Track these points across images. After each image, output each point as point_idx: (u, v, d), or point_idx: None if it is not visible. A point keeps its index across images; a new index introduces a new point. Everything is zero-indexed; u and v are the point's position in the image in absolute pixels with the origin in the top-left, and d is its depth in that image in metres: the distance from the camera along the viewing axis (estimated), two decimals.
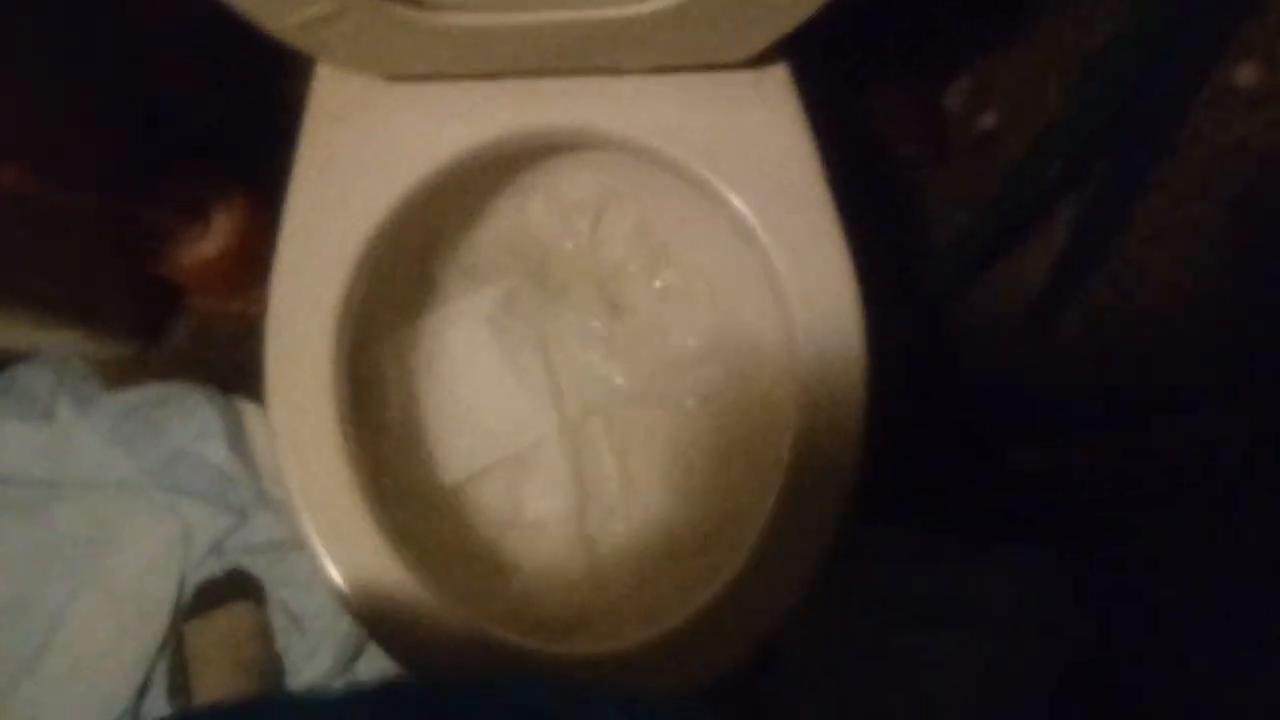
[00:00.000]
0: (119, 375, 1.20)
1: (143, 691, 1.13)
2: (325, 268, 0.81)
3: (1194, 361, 0.99)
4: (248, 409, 1.20)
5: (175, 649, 1.13)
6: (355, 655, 1.14)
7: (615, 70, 0.82)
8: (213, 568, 1.15)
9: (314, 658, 1.14)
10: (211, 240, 1.09)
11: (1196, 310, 0.97)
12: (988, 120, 1.23)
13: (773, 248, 0.80)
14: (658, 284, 0.98)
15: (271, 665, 1.14)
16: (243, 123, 1.13)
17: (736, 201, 0.81)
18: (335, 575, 0.75)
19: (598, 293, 0.99)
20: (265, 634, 1.14)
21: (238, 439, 1.18)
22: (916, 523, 1.17)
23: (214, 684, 1.10)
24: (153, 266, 1.09)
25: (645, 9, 0.72)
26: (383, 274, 0.85)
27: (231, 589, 1.15)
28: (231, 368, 1.21)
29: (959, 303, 1.22)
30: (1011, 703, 1.11)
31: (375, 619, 0.75)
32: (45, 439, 1.17)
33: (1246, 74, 0.85)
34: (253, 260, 1.15)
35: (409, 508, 0.90)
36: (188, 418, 1.17)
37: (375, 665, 1.15)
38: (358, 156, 0.83)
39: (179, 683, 1.12)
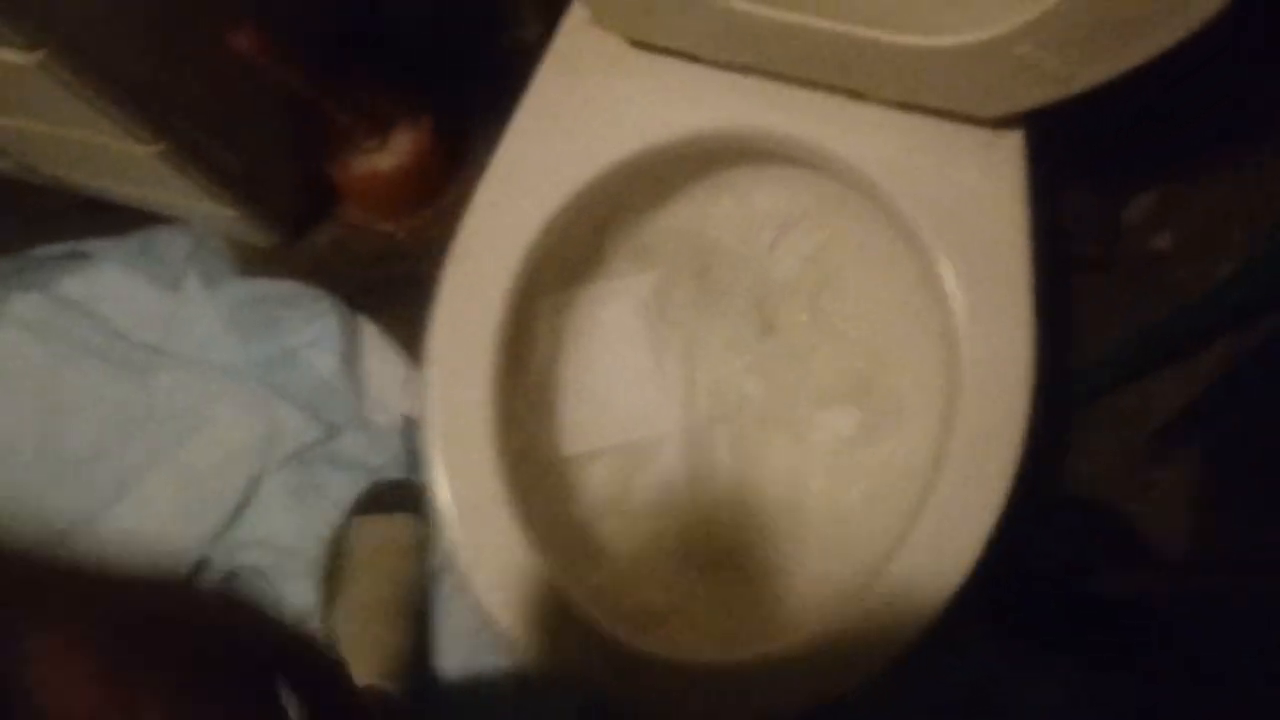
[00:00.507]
0: (253, 262, 1.20)
1: (192, 576, 1.13)
2: (521, 216, 0.81)
3: None
4: (367, 328, 1.19)
5: (336, 539, 1.13)
6: None
7: (858, 94, 0.81)
8: (296, 475, 1.14)
9: None
10: (387, 155, 1.09)
11: None
12: (1162, 241, 1.21)
13: (962, 313, 0.79)
14: (819, 311, 0.96)
15: (418, 583, 1.13)
16: (445, 53, 1.13)
17: (940, 256, 0.80)
18: (450, 511, 0.75)
19: (756, 306, 0.98)
20: (421, 549, 1.14)
21: (351, 354, 1.17)
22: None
23: (362, 586, 1.10)
24: (326, 164, 1.09)
25: (929, 42, 0.71)
26: (566, 235, 0.84)
27: (401, 497, 1.14)
28: (363, 284, 1.20)
29: (1088, 412, 1.21)
30: None
31: (474, 562, 0.75)
32: (166, 306, 1.17)
33: None
34: (419, 186, 1.15)
35: (527, 469, 0.90)
36: (308, 322, 1.16)
37: None
38: (583, 113, 0.83)
39: (331, 571, 1.12)
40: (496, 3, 1.09)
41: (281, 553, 1.13)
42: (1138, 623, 1.14)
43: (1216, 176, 1.16)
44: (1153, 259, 1.21)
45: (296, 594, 1.13)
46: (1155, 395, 1.21)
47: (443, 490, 0.76)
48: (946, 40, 0.70)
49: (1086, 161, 1.18)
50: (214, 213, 1.07)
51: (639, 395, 0.97)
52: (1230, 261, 1.12)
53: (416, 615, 1.11)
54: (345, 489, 1.15)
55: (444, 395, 0.79)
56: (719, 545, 0.94)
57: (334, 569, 1.12)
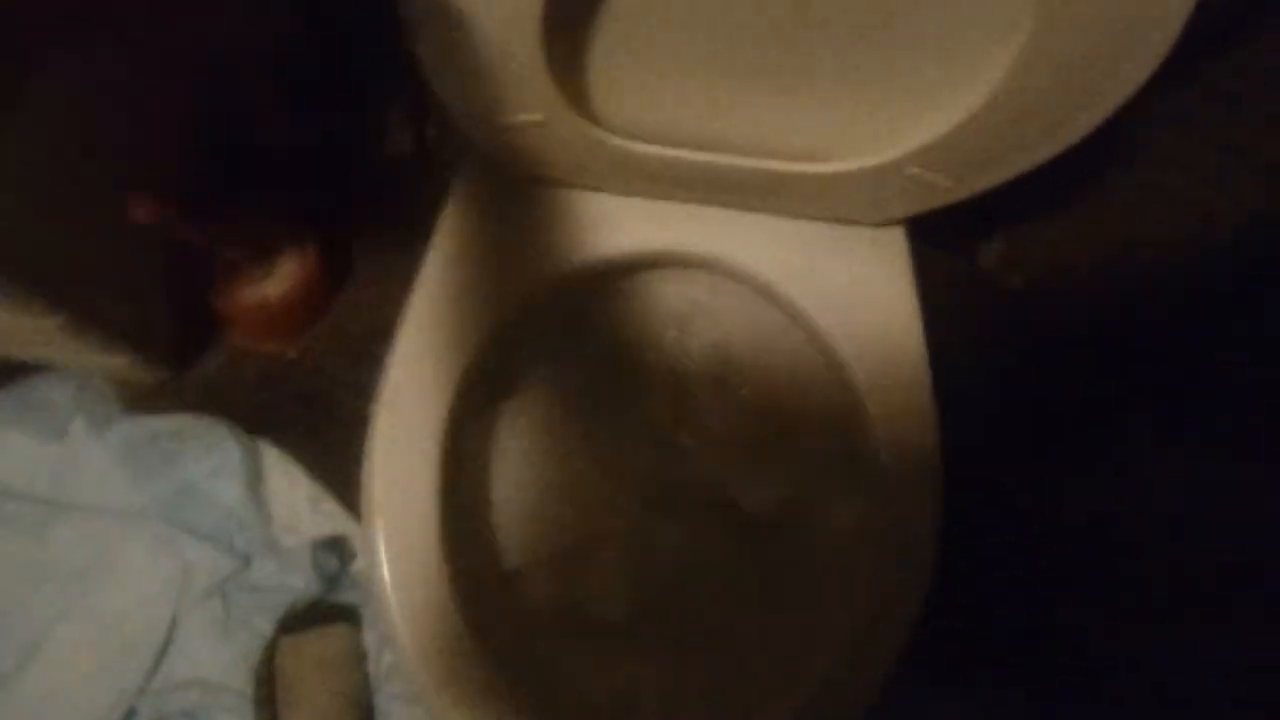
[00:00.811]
0: (141, 399, 1.17)
1: None
2: (447, 354, 0.83)
3: None
4: (267, 451, 1.18)
5: (265, 661, 1.11)
6: None
7: (752, 208, 0.86)
8: (214, 610, 1.13)
9: None
10: (275, 282, 1.09)
11: None
12: (1015, 280, 1.31)
13: (868, 399, 0.85)
14: (730, 394, 1.01)
15: (363, 693, 1.12)
16: (325, 176, 1.13)
17: (839, 343, 0.86)
18: (407, 642, 0.77)
19: (671, 394, 1.02)
20: (359, 659, 1.13)
21: (254, 480, 1.16)
22: None
23: (304, 705, 1.08)
24: (208, 296, 1.08)
25: (820, 169, 0.76)
26: (485, 366, 0.86)
27: (328, 611, 1.13)
28: (256, 407, 1.19)
29: None
30: None
31: (445, 700, 0.76)
32: (54, 456, 1.13)
33: None
34: (306, 308, 1.15)
35: (476, 591, 0.92)
36: (206, 452, 1.14)
37: None
38: (491, 252, 0.85)
39: (264, 696, 1.10)
40: (367, 121, 1.10)
41: (210, 691, 1.11)
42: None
43: (1055, 217, 1.26)
44: (1009, 293, 1.31)
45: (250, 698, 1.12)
46: None
47: (403, 636, 0.77)
48: (841, 167, 0.76)
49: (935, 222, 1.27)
50: (101, 362, 1.05)
51: (572, 499, 0.99)
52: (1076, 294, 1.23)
53: None
54: (265, 616, 1.14)
55: (391, 543, 0.80)
56: (666, 634, 0.97)
57: (265, 696, 1.11)
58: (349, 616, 1.16)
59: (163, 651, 1.11)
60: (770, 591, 0.96)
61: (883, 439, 0.84)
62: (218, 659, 1.12)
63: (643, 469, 1.01)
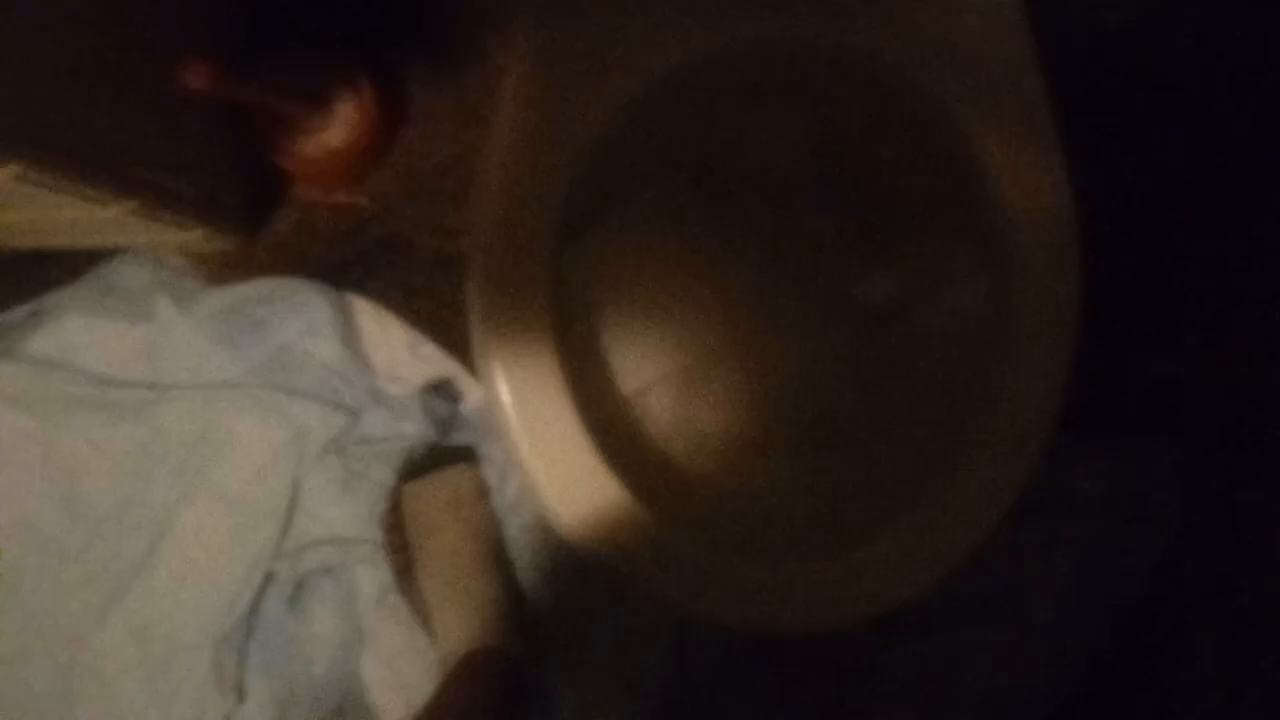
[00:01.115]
0: (219, 271, 1.14)
1: (259, 597, 1.12)
2: (544, 174, 0.78)
3: None
4: (357, 303, 1.15)
5: (392, 509, 1.13)
6: None
7: None
8: (333, 467, 1.12)
9: None
10: (336, 130, 1.04)
11: None
12: None
13: (991, 165, 0.79)
14: (837, 189, 0.96)
15: (491, 526, 1.14)
16: (373, 11, 1.06)
17: (956, 113, 0.80)
18: (546, 491, 0.75)
19: (776, 199, 0.97)
20: (483, 495, 1.14)
21: (348, 333, 1.14)
22: None
23: (436, 546, 1.10)
24: (272, 155, 1.03)
25: None
26: (587, 186, 0.81)
27: (444, 455, 1.15)
28: (339, 261, 1.15)
29: None
30: (1107, 587, 1.17)
31: (576, 523, 0.75)
32: (145, 337, 1.11)
33: None
34: (373, 153, 1.10)
35: (594, 413, 0.90)
36: (295, 313, 1.12)
37: None
38: (582, 56, 0.78)
39: (396, 543, 1.12)
40: None
41: (344, 546, 1.12)
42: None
43: None
44: None
45: (372, 580, 1.13)
46: None
47: (536, 476, 0.76)
48: None
49: None
50: (174, 239, 1.01)
51: (682, 317, 0.97)
52: None
53: (500, 562, 1.13)
54: (384, 465, 1.14)
55: (511, 374, 0.77)
56: (793, 440, 0.96)
57: (397, 543, 1.12)
58: (466, 457, 1.16)
59: (289, 515, 1.12)
60: (897, 387, 0.94)
61: (1009, 209, 0.79)
62: (345, 514, 1.13)
63: (753, 277, 0.97)
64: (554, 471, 0.75)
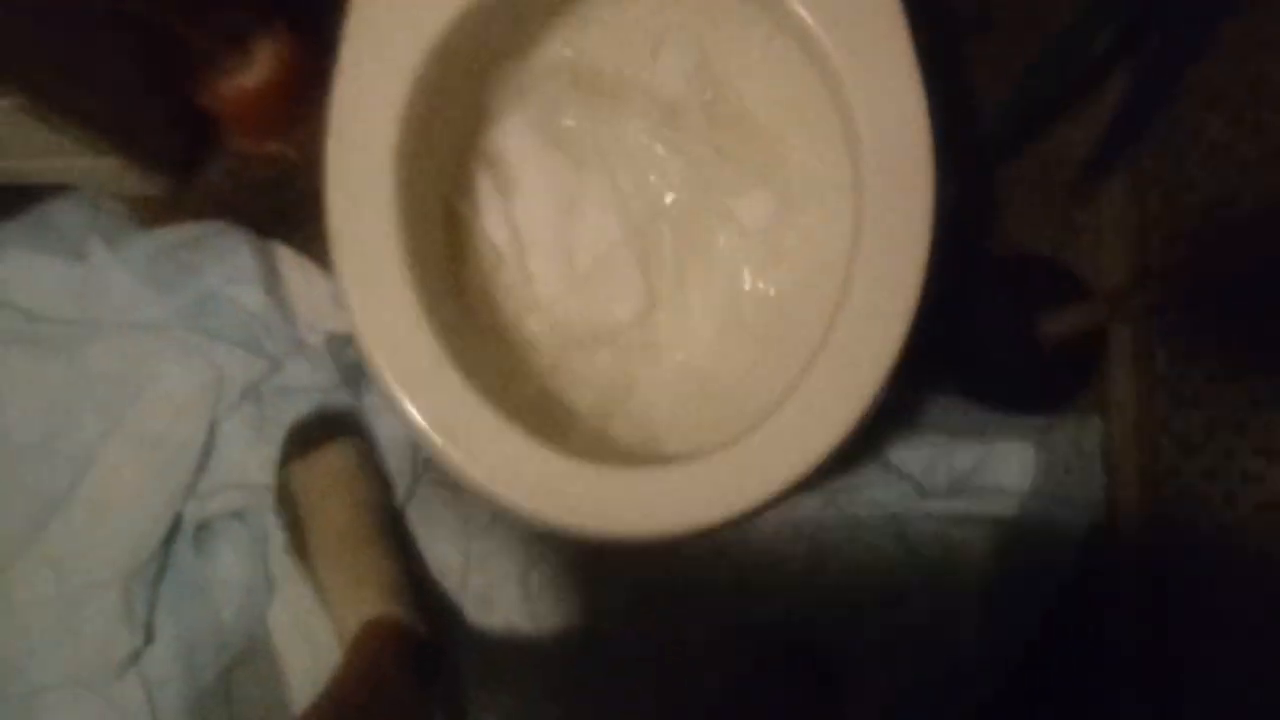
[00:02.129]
0: (153, 215, 1.18)
1: (170, 536, 1.13)
2: (385, 84, 0.79)
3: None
4: (283, 253, 1.18)
5: (281, 494, 1.12)
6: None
7: None
8: (249, 413, 1.14)
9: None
10: (253, 71, 1.07)
11: (1250, 176, 0.96)
12: None
13: (849, 77, 0.78)
14: (715, 113, 0.96)
15: (383, 496, 1.13)
16: None
17: (815, 28, 0.79)
18: (414, 414, 0.74)
19: (652, 118, 0.97)
20: (371, 464, 1.14)
21: (273, 283, 1.16)
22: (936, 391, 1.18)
23: (326, 521, 1.08)
24: (192, 93, 1.07)
25: None
26: (440, 95, 0.82)
27: (328, 426, 1.13)
28: (268, 211, 1.19)
29: (1008, 172, 1.22)
30: (1033, 571, 1.13)
31: (455, 452, 0.74)
32: (77, 277, 1.15)
33: None
34: (294, 98, 1.13)
35: (474, 335, 0.91)
36: (222, 259, 1.15)
37: None
38: None
39: (290, 521, 1.11)
40: None
41: (254, 491, 1.13)
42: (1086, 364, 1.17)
43: None
44: (1031, 6, 1.21)
45: (275, 528, 1.14)
46: (1067, 143, 1.22)
47: (402, 401, 0.75)
48: None
49: None
50: (98, 167, 1.05)
51: (574, 220, 0.97)
52: None
53: (392, 533, 1.12)
54: (299, 415, 1.15)
55: (365, 298, 0.77)
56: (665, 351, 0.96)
57: (290, 521, 1.12)
58: (354, 429, 1.16)
59: (205, 456, 1.14)
60: (770, 312, 0.93)
61: (867, 139, 0.78)
62: (258, 459, 1.14)
63: (636, 176, 0.97)
64: (421, 398, 0.75)
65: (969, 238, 1.20)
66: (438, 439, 0.74)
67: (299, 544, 1.10)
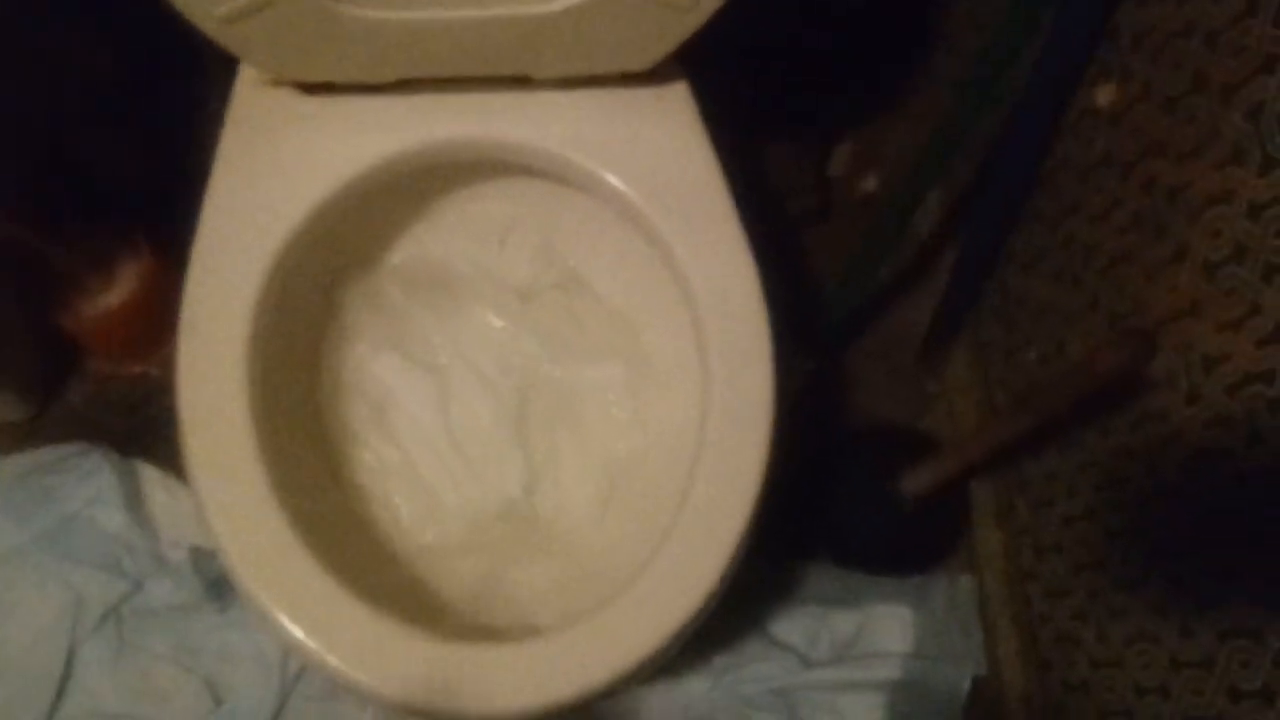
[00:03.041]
0: (9, 441, 1.17)
1: None
2: (237, 276, 0.81)
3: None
4: (145, 471, 1.17)
5: None
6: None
7: (526, 83, 0.86)
8: (109, 637, 1.10)
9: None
10: (116, 291, 1.09)
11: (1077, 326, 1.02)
12: (869, 183, 1.31)
13: (683, 253, 0.83)
14: (567, 293, 1.00)
15: None
16: (153, 180, 1.13)
17: (642, 207, 0.85)
18: (284, 623, 0.71)
19: (508, 298, 1.01)
20: None
21: (135, 502, 1.14)
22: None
23: None
24: (54, 315, 1.08)
25: (553, 8, 0.76)
26: (289, 294, 0.85)
27: None
28: (128, 432, 1.18)
29: (860, 350, 1.28)
30: None
31: (330, 653, 0.71)
32: None
33: (1105, 93, 0.93)
34: (155, 318, 1.14)
35: (341, 525, 0.90)
36: (82, 481, 1.13)
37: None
38: (271, 166, 0.84)
39: None
40: (185, 108, 1.10)
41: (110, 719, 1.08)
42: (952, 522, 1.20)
43: (903, 111, 1.26)
44: (866, 200, 1.31)
45: None
46: (912, 320, 1.29)
47: (268, 609, 0.72)
48: (554, 6, 0.76)
49: (781, 124, 1.27)
50: None
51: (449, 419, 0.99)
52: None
53: None
54: (162, 638, 1.11)
55: (211, 467, 0.77)
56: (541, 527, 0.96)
57: None
58: None
59: (62, 684, 1.09)
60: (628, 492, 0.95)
61: (706, 313, 0.82)
62: (116, 686, 1.09)
63: (501, 377, 1.00)
64: (263, 575, 0.72)
65: (827, 413, 1.25)
66: (311, 643, 0.71)
67: None
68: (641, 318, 0.98)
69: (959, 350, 1.24)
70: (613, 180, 0.86)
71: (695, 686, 1.12)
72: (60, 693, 1.08)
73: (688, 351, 0.85)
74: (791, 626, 1.15)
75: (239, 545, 0.73)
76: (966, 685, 1.12)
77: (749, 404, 0.79)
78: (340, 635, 0.71)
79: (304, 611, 0.71)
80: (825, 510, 1.18)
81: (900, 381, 1.27)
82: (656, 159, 0.87)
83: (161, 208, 1.14)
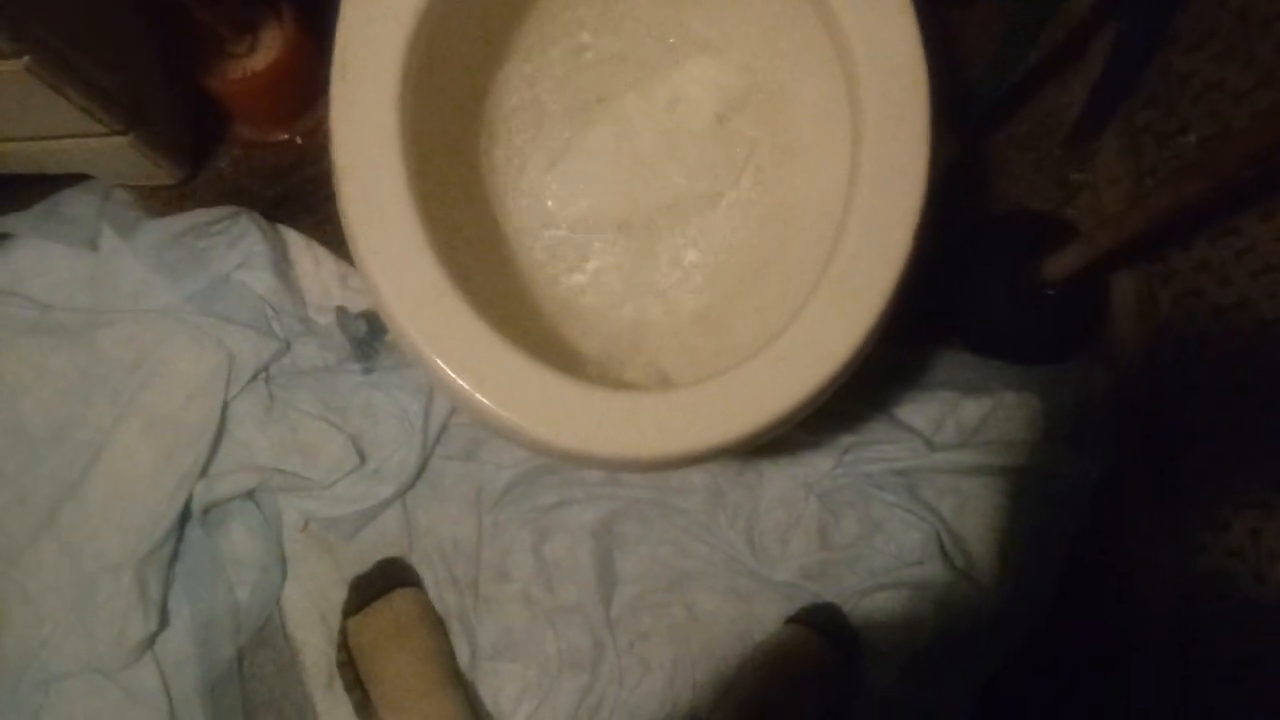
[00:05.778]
0: (162, 204, 1.21)
1: (183, 518, 1.14)
2: (389, 15, 0.80)
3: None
4: (292, 236, 1.20)
5: (341, 645, 1.12)
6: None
7: None
8: (260, 394, 1.15)
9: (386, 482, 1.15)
10: (259, 55, 1.10)
11: (1245, 103, 0.97)
12: None
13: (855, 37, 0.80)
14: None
15: (443, 644, 1.13)
16: None
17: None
18: (435, 360, 0.74)
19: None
20: (430, 615, 1.13)
21: (282, 266, 1.18)
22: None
23: (386, 673, 1.08)
24: (202, 77, 1.10)
25: None
26: (444, 36, 0.84)
27: (386, 579, 1.14)
28: (275, 197, 1.21)
29: (1003, 136, 1.23)
30: (1047, 518, 1.13)
31: (480, 391, 0.74)
32: (89, 266, 1.17)
33: None
34: (299, 85, 1.15)
35: (486, 275, 0.92)
36: (231, 245, 1.17)
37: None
38: None
39: (351, 679, 1.10)
40: None
41: (264, 471, 1.14)
42: (1090, 313, 1.17)
43: None
44: None
45: (289, 508, 1.15)
46: (1059, 104, 1.24)
47: (410, 335, 0.75)
48: None
49: None
50: (108, 148, 1.07)
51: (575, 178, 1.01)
52: None
53: (457, 680, 1.11)
54: (309, 396, 1.16)
55: (366, 212, 0.78)
56: (670, 297, 0.97)
57: (351, 679, 1.11)
58: (412, 580, 1.16)
59: (217, 438, 1.15)
60: (781, 233, 0.95)
61: (865, 66, 0.79)
62: (269, 440, 1.15)
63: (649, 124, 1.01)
64: (417, 318, 0.75)
65: (968, 199, 1.22)
66: (462, 381, 0.73)
67: (363, 702, 1.09)
68: (794, 88, 0.96)
69: (1110, 137, 1.19)
70: None
71: (820, 464, 1.14)
72: (215, 444, 1.15)
73: (839, 121, 0.83)
74: (918, 411, 1.16)
75: (393, 286, 0.75)
76: (1094, 476, 1.11)
77: (904, 163, 0.77)
78: (489, 374, 0.73)
79: (455, 351, 0.74)
80: (962, 294, 1.16)
81: (1045, 170, 1.23)
82: None
83: None
